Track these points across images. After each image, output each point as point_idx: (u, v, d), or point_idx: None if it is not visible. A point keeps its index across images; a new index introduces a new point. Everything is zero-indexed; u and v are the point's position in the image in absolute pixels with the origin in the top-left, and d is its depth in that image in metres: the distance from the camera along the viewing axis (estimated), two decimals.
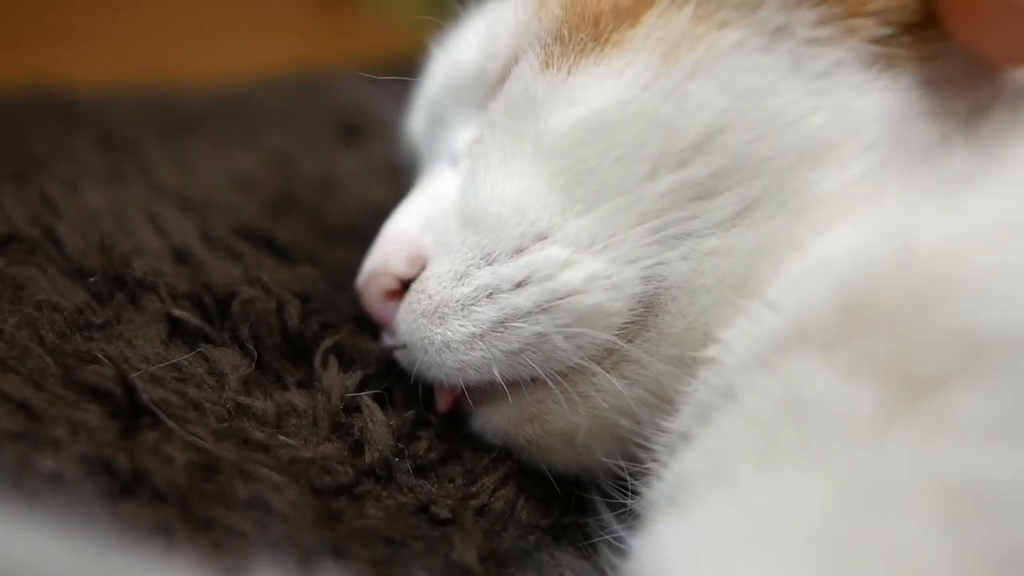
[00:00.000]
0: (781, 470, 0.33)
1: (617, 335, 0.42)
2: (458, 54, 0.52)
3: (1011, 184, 0.35)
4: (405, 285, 0.47)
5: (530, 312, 0.42)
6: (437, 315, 0.45)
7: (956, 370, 0.31)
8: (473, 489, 0.45)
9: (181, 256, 0.51)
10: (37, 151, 0.67)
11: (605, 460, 0.45)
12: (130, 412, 0.38)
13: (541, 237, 0.43)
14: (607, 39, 0.43)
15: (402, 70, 0.62)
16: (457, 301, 0.44)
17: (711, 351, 0.40)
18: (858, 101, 0.40)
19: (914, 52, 0.40)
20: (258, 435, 0.41)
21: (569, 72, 0.43)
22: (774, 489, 0.33)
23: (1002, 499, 0.28)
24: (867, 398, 0.32)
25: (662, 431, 0.41)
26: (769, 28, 0.40)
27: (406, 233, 0.48)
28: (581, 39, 0.43)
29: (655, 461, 0.41)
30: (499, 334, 0.43)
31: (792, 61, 0.40)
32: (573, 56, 0.43)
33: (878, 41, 0.40)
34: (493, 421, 0.46)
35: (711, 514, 0.34)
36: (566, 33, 0.44)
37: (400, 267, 0.47)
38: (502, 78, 0.48)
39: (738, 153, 0.40)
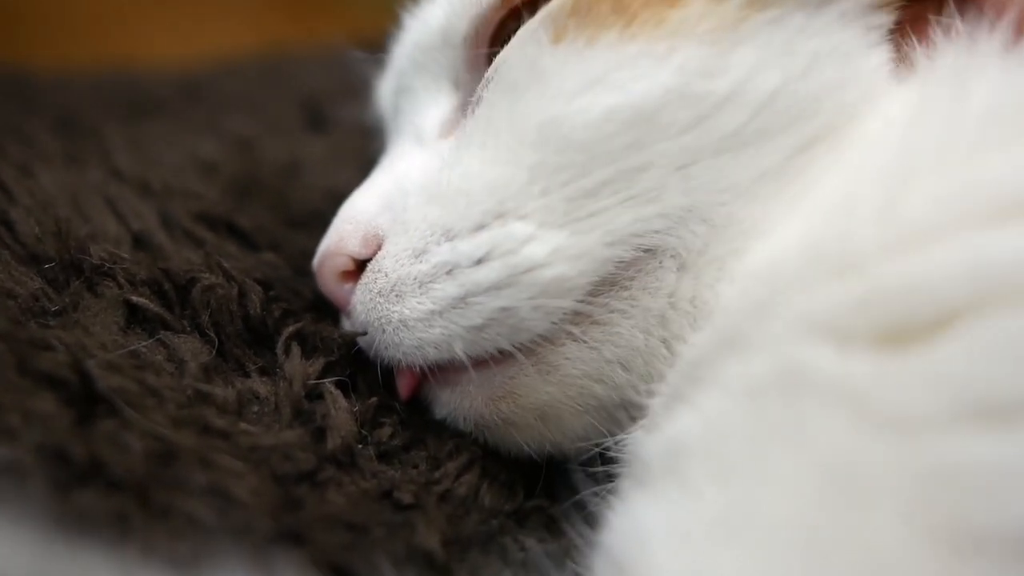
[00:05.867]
0: (768, 451, 0.33)
1: (586, 296, 0.42)
2: (427, 16, 0.51)
3: None
4: (361, 266, 0.47)
5: (491, 287, 0.42)
6: (394, 293, 0.44)
7: (954, 312, 0.32)
8: (436, 475, 0.45)
9: (140, 242, 0.51)
10: None
11: (579, 436, 0.45)
12: (86, 400, 0.38)
13: (504, 214, 0.42)
14: (635, 15, 0.41)
15: (370, 53, 0.61)
16: (415, 279, 0.44)
17: (698, 318, 0.41)
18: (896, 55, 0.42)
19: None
20: (219, 422, 0.41)
21: (587, 43, 0.42)
22: (759, 473, 0.33)
23: (970, 481, 0.29)
24: (859, 360, 0.33)
25: (652, 392, 0.42)
26: (815, 2, 0.42)
27: (362, 213, 0.48)
28: (602, 13, 0.42)
29: (660, 395, 0.41)
30: (459, 310, 0.43)
31: (841, 16, 0.42)
32: (592, 29, 0.42)
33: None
34: (463, 406, 0.46)
35: (697, 497, 0.35)
36: (584, 6, 0.42)
37: (355, 247, 0.47)
38: (467, 40, 0.47)
39: (777, 99, 0.41)
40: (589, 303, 0.42)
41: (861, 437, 0.32)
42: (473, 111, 0.46)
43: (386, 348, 0.45)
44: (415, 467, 0.45)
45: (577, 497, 0.45)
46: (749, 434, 0.35)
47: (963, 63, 0.39)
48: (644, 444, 0.40)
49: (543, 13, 0.44)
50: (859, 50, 0.42)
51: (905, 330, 0.33)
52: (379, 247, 0.46)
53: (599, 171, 0.41)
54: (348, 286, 0.47)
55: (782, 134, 0.41)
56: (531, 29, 0.44)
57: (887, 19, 0.43)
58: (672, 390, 0.41)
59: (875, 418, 0.32)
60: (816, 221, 0.39)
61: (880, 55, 0.42)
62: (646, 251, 0.42)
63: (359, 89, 0.67)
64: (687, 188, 0.41)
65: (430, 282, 0.43)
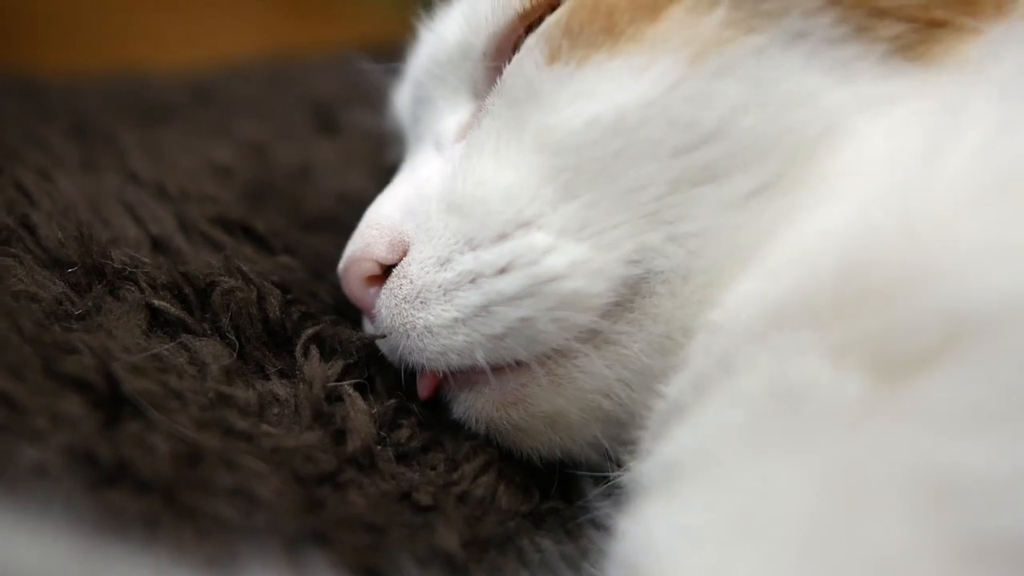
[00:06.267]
0: (770, 456, 0.34)
1: (600, 317, 0.43)
2: (443, 31, 0.52)
3: (1003, 156, 0.36)
4: (386, 271, 0.47)
5: (513, 297, 0.43)
6: (419, 300, 0.45)
7: (938, 350, 0.32)
8: (454, 476, 0.45)
9: (159, 246, 0.51)
10: (7, 139, 0.66)
11: (589, 443, 0.45)
12: (112, 402, 0.38)
13: (526, 224, 0.43)
14: (622, 32, 0.43)
15: (379, 57, 0.62)
16: (439, 286, 0.45)
17: (712, 315, 0.42)
18: (873, 86, 0.42)
19: (933, 48, 0.42)
20: (241, 424, 0.41)
21: (578, 65, 0.43)
22: (763, 476, 0.34)
23: (973, 488, 0.29)
24: (855, 382, 0.33)
25: (658, 398, 0.42)
26: (790, 32, 0.42)
27: (388, 218, 0.48)
28: (593, 32, 0.43)
29: (647, 432, 0.42)
30: (482, 318, 0.43)
31: (811, 54, 0.42)
32: (583, 50, 0.43)
33: (896, 38, 0.42)
34: (476, 407, 0.47)
35: (702, 499, 0.35)
36: (577, 26, 0.43)
37: (381, 252, 0.47)
38: (486, 55, 0.48)
39: (751, 135, 0.41)
40: (604, 319, 0.43)
41: (862, 444, 0.32)
42: (480, 122, 0.47)
43: (410, 353, 0.46)
44: (433, 469, 0.46)
45: (587, 504, 0.45)
46: (748, 441, 0.35)
47: (946, 115, 0.39)
48: (641, 473, 0.41)
49: (539, 31, 0.45)
50: (830, 87, 0.42)
51: (892, 366, 0.33)
52: (405, 252, 0.47)
53: (603, 185, 0.42)
54: (373, 290, 0.48)
55: (754, 168, 0.42)
56: (529, 47, 0.45)
57: (867, 48, 0.42)
58: (661, 417, 0.42)
59: (874, 428, 0.32)
60: (779, 272, 0.40)
61: (854, 90, 0.42)
62: (648, 272, 0.43)
63: (368, 93, 0.68)
64: (677, 213, 0.42)
65: (454, 290, 0.44)
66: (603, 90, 0.42)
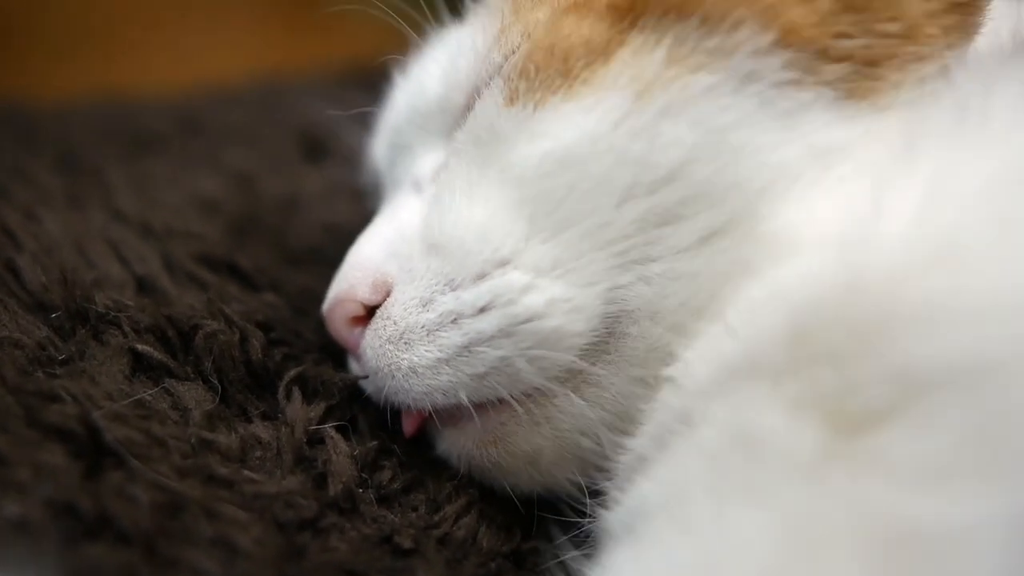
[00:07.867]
0: (731, 506, 0.35)
1: (579, 356, 0.43)
2: (421, 83, 0.53)
3: (948, 212, 0.37)
4: (370, 311, 0.48)
5: (493, 336, 0.43)
6: (403, 341, 0.46)
7: (892, 408, 0.33)
8: (436, 518, 0.46)
9: (144, 287, 0.51)
10: None
11: (568, 481, 0.46)
12: (94, 452, 0.39)
13: (503, 263, 0.44)
14: (577, 76, 0.43)
15: (368, 80, 0.62)
16: (422, 327, 0.45)
17: (671, 370, 0.42)
18: (823, 134, 0.42)
19: (878, 85, 0.42)
20: (222, 471, 0.41)
21: (535, 108, 0.44)
22: (724, 526, 0.34)
23: (929, 540, 0.30)
24: (811, 435, 0.34)
25: (622, 451, 0.43)
26: (740, 73, 0.42)
27: (370, 260, 0.49)
28: (549, 75, 0.44)
29: (613, 483, 0.43)
30: (464, 358, 0.44)
31: (761, 101, 0.42)
32: (540, 92, 0.44)
33: (843, 79, 0.42)
34: (458, 444, 0.47)
35: (665, 548, 0.36)
36: (533, 69, 0.44)
37: (365, 294, 0.48)
38: (466, 108, 0.49)
39: (704, 182, 0.41)
40: (583, 359, 0.43)
41: (820, 495, 0.33)
42: (449, 161, 0.48)
43: (396, 394, 0.46)
44: (414, 510, 0.46)
45: (561, 551, 0.46)
46: (710, 490, 0.36)
47: (891, 167, 0.39)
48: (608, 521, 0.41)
49: (501, 74, 0.46)
50: (781, 137, 0.42)
51: (848, 421, 0.34)
52: (388, 293, 0.47)
53: (569, 223, 0.43)
54: (358, 331, 0.48)
55: (706, 215, 0.42)
56: (491, 89, 0.46)
57: (816, 93, 0.42)
58: (640, 452, 0.42)
59: (832, 480, 0.33)
60: (733, 329, 0.40)
61: (805, 140, 0.42)
62: (622, 312, 0.43)
63: (356, 119, 0.68)
64: (643, 252, 0.42)
65: (437, 330, 0.45)
66: (556, 128, 0.43)
